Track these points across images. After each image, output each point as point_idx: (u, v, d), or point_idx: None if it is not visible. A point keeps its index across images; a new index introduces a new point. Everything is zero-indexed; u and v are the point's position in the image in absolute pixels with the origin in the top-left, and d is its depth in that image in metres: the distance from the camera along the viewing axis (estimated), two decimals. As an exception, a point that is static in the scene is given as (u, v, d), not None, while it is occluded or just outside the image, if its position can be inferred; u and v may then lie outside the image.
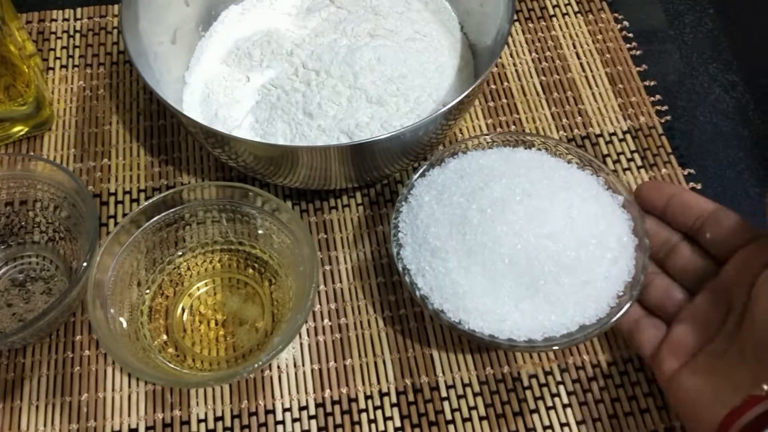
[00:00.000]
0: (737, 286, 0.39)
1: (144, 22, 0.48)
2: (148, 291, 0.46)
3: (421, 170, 0.45)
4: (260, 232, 0.46)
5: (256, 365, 0.39)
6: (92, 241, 0.42)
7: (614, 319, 0.40)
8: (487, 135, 0.46)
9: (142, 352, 0.42)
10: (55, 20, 0.60)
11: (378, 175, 0.50)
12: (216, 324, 0.46)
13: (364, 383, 0.45)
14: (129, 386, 0.44)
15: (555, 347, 0.40)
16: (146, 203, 0.44)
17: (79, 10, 0.60)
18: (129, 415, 0.44)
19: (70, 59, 0.58)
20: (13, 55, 0.49)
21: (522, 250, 0.39)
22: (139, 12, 0.48)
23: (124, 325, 0.43)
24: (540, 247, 0.40)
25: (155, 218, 0.44)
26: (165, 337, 0.45)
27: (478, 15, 0.52)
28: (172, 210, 0.45)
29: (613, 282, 0.41)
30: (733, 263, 0.40)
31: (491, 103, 0.56)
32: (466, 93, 0.43)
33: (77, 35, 0.59)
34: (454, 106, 0.43)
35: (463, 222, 0.41)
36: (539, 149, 0.46)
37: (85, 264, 0.41)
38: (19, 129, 0.53)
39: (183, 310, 0.46)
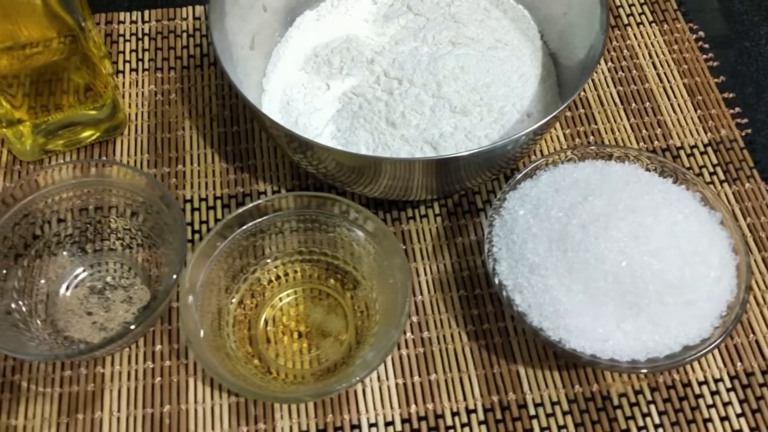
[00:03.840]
0: None
1: (230, 19, 0.47)
2: (232, 302, 0.45)
3: (511, 183, 0.44)
4: (354, 247, 0.45)
5: (353, 380, 0.38)
6: (181, 250, 0.41)
7: (719, 339, 0.39)
8: (578, 148, 0.45)
9: (230, 364, 0.41)
10: (123, 22, 0.59)
11: (459, 188, 0.50)
12: (299, 336, 0.45)
13: (450, 399, 0.44)
14: (212, 398, 0.44)
15: (659, 369, 0.39)
16: (230, 216, 0.43)
17: (146, 12, 0.60)
18: (213, 428, 0.43)
19: (140, 62, 0.57)
20: (94, 54, 0.48)
21: (626, 268, 0.39)
22: (225, 8, 0.47)
23: (211, 336, 0.42)
24: (644, 265, 0.39)
25: (239, 230, 0.44)
26: (249, 348, 0.44)
27: (561, 24, 0.51)
28: (257, 221, 0.44)
29: (716, 302, 0.40)
30: None
31: (568, 113, 0.55)
32: (561, 108, 0.42)
33: (146, 38, 0.58)
34: (549, 120, 0.42)
35: (564, 238, 0.40)
36: (632, 163, 0.45)
37: (174, 276, 0.41)
38: (90, 133, 0.53)
39: (266, 321, 0.45)
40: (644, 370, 0.39)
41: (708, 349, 0.39)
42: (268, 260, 0.46)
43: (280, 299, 0.46)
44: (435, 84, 0.48)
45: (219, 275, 0.44)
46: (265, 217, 0.44)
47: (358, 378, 0.38)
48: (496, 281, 0.41)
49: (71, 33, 0.46)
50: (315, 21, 0.55)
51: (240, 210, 0.43)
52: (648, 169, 0.45)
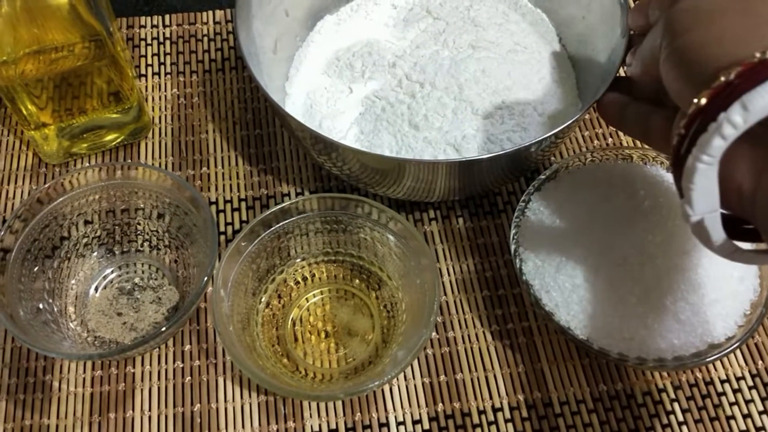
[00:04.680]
0: None
1: (255, 22, 0.48)
2: (260, 302, 0.45)
3: (535, 184, 0.45)
4: (379, 247, 0.46)
5: (385, 378, 0.38)
6: (212, 252, 0.42)
7: (744, 337, 0.39)
8: (599, 149, 0.46)
9: (260, 363, 0.42)
10: (144, 27, 0.60)
11: (480, 190, 0.50)
12: (326, 335, 0.46)
13: (476, 398, 0.44)
14: (242, 397, 0.44)
15: (685, 366, 0.39)
16: (255, 220, 0.43)
17: (167, 16, 0.60)
18: (243, 427, 0.43)
19: (162, 66, 0.58)
20: (121, 57, 0.49)
21: (652, 268, 0.39)
22: (251, 12, 0.48)
23: (241, 335, 0.42)
24: (670, 264, 0.39)
25: (265, 233, 0.44)
26: (278, 347, 0.45)
27: (580, 27, 0.52)
28: (282, 223, 0.45)
29: (740, 301, 0.40)
30: None
31: (587, 115, 0.55)
32: (583, 111, 0.43)
33: (167, 42, 0.59)
34: (571, 123, 0.43)
35: (589, 237, 0.41)
36: (653, 164, 0.45)
37: (205, 278, 0.41)
38: (114, 137, 0.53)
39: (293, 321, 0.46)
40: (671, 368, 0.39)
41: (733, 347, 0.39)
42: (295, 261, 0.47)
43: (307, 299, 0.47)
44: (457, 87, 0.49)
45: (248, 275, 0.44)
46: (290, 219, 0.45)
47: (389, 376, 0.38)
48: (523, 281, 0.42)
49: (97, 37, 0.47)
50: (335, 25, 0.55)
51: (265, 213, 0.44)
52: (669, 170, 0.45)
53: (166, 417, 0.44)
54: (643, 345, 0.39)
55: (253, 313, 0.45)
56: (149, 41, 0.59)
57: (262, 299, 0.46)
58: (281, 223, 0.45)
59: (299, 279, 0.47)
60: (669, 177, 0.44)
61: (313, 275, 0.47)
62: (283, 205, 0.44)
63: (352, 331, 0.46)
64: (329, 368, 0.45)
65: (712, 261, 0.40)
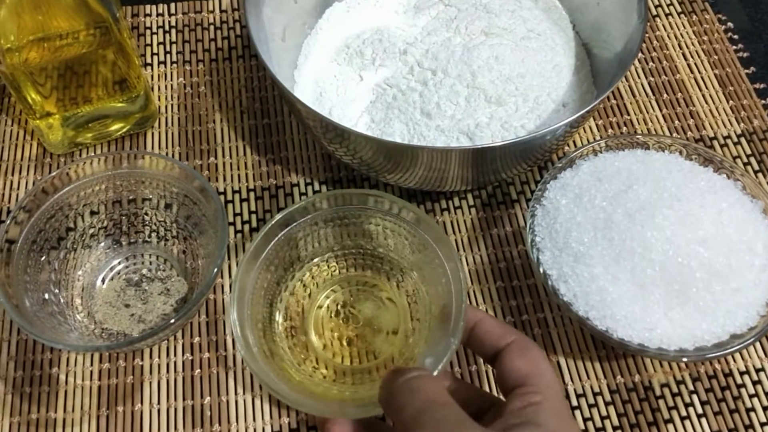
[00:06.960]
0: None
1: (265, 8, 0.47)
2: (280, 305, 0.44)
3: (552, 172, 0.44)
4: (396, 238, 0.44)
5: None
6: (222, 243, 0.41)
7: (766, 327, 0.39)
8: (616, 137, 0.45)
9: (288, 373, 0.40)
10: (149, 15, 0.59)
11: (494, 179, 0.49)
12: (351, 332, 0.44)
13: (490, 391, 0.44)
14: (252, 390, 0.43)
15: (707, 357, 0.38)
16: (269, 224, 0.41)
17: (172, 5, 0.59)
18: (254, 419, 0.43)
19: (168, 55, 0.57)
20: (128, 45, 0.48)
21: (673, 257, 0.38)
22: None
23: (264, 345, 0.41)
24: (692, 253, 0.38)
25: (281, 233, 0.42)
26: (307, 353, 0.43)
27: (595, 14, 0.51)
28: (295, 223, 0.43)
29: (762, 290, 0.40)
30: None
31: (601, 104, 0.54)
32: (601, 98, 0.42)
33: (173, 31, 0.58)
34: (588, 110, 0.42)
35: (609, 227, 0.40)
36: (671, 152, 0.45)
37: (216, 269, 0.40)
38: (120, 126, 0.52)
39: (315, 321, 0.44)
40: (692, 359, 0.38)
41: (755, 337, 0.38)
42: (313, 258, 0.45)
43: (327, 297, 0.45)
44: (469, 74, 0.48)
45: (266, 278, 0.42)
46: (304, 218, 0.43)
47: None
48: (541, 271, 0.41)
49: (102, 24, 0.46)
50: (345, 13, 0.54)
51: (278, 216, 0.41)
52: (690, 158, 0.44)
53: (175, 410, 0.43)
54: (665, 335, 0.38)
55: (274, 317, 0.43)
56: (155, 30, 0.58)
57: (282, 301, 0.44)
58: (296, 223, 0.43)
59: (316, 276, 0.45)
60: (688, 165, 0.44)
61: (334, 271, 0.46)
62: (296, 206, 0.42)
63: (377, 327, 0.44)
64: (359, 365, 0.43)
65: (734, 250, 0.39)
